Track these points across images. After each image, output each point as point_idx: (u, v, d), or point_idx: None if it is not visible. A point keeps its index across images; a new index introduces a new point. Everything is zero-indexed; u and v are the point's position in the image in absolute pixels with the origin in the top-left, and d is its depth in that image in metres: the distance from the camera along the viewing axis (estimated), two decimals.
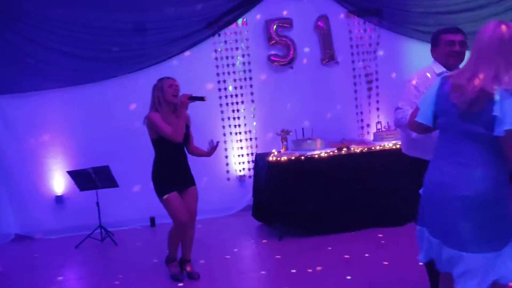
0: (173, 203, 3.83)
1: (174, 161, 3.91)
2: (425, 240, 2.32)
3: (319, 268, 3.97)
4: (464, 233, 2.09)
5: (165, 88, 3.85)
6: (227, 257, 4.54)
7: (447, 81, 2.20)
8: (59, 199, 5.95)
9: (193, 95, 3.83)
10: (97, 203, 5.34)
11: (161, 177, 3.89)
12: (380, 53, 6.46)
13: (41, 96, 5.80)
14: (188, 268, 4.08)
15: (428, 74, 2.95)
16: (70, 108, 5.89)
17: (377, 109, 6.50)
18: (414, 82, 2.95)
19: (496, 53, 2.03)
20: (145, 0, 5.85)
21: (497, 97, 1.97)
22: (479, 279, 2.07)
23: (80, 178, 5.28)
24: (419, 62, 6.27)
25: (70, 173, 5.32)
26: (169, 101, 3.84)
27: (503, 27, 2.06)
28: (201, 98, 3.81)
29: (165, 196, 3.83)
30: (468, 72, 2.09)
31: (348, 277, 3.70)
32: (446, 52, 2.89)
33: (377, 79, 6.48)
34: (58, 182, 5.96)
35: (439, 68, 2.92)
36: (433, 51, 2.99)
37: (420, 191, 2.38)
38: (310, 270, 3.93)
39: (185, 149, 4.05)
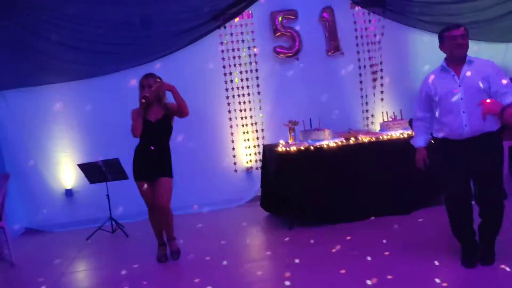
0: (140, 190, 4.24)
1: (144, 153, 4.19)
2: None
3: (330, 254, 4.03)
4: None
5: (139, 88, 4.20)
6: (237, 245, 4.61)
7: None
8: (69, 192, 6.02)
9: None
10: (107, 196, 5.39)
11: (134, 163, 4.28)
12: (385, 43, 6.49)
13: (49, 90, 5.86)
14: (170, 247, 4.34)
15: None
16: (79, 102, 5.95)
17: (381, 99, 6.55)
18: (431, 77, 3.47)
19: None
20: None
21: None
22: None
23: (90, 171, 5.33)
24: (423, 52, 6.43)
25: (81, 166, 5.37)
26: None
27: None
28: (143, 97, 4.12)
29: (136, 182, 4.26)
30: None
31: (359, 265, 3.77)
32: (450, 46, 3.33)
33: (381, 70, 6.52)
34: (68, 175, 6.01)
35: (444, 64, 3.42)
36: (441, 48, 3.44)
37: None
38: (320, 256, 4.00)
39: (163, 142, 4.25)
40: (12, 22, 5.56)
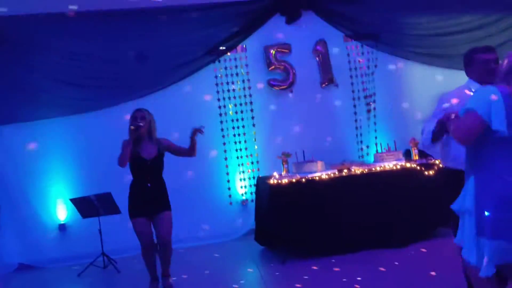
0: (137, 228, 4.17)
1: (144, 188, 4.18)
2: (499, 251, 2.33)
3: None
4: None
5: (131, 120, 4.20)
6: (231, 283, 4.49)
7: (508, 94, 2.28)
8: (62, 227, 5.97)
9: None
10: (100, 230, 5.34)
11: (131, 200, 4.23)
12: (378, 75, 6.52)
13: (43, 124, 5.88)
14: (163, 283, 4.29)
15: (467, 91, 3.02)
16: (72, 136, 5.95)
17: (375, 130, 6.52)
18: (455, 100, 3.02)
19: None
20: (146, 29, 5.96)
21: None
22: None
23: (83, 205, 5.30)
24: (417, 83, 6.46)
25: (73, 200, 5.34)
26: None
27: None
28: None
29: (132, 220, 4.18)
30: None
31: None
32: (482, 70, 2.98)
33: (374, 101, 6.52)
34: (61, 209, 5.98)
35: (475, 86, 3.01)
36: (467, 71, 3.10)
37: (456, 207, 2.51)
38: None
39: (158, 177, 4.27)
40: (5, 58, 5.64)
